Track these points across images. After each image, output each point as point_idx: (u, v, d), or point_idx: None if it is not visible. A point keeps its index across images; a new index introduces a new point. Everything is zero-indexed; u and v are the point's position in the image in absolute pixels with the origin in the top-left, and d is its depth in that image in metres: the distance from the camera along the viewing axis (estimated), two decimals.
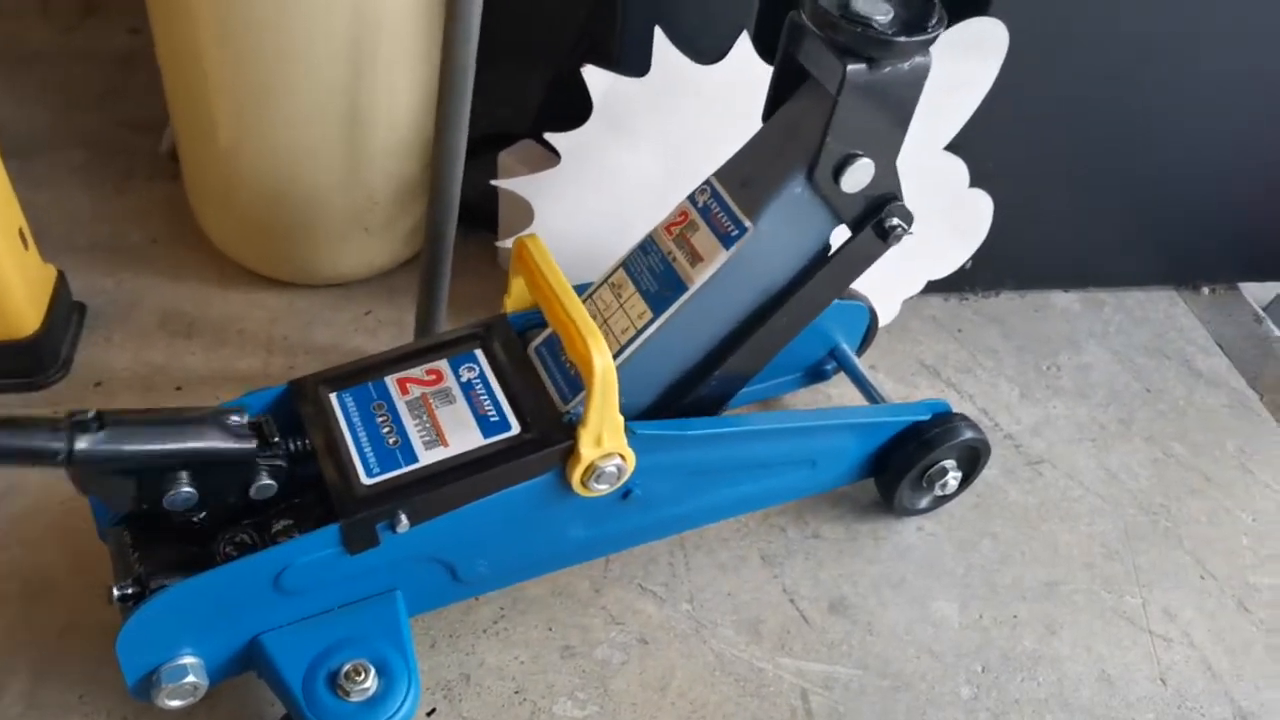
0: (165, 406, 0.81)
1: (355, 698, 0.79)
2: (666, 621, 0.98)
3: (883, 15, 0.74)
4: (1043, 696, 0.96)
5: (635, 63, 1.04)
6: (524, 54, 1.21)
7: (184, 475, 0.78)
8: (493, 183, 1.14)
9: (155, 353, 1.15)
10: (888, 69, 0.75)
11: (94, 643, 0.90)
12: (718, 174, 0.86)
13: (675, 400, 0.88)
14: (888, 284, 1.21)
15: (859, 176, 0.80)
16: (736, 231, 0.81)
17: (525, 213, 1.13)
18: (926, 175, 1.15)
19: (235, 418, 0.80)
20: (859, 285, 1.17)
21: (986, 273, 1.34)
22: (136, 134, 1.41)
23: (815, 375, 1.19)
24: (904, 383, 1.24)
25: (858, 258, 0.85)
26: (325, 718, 0.78)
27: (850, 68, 0.74)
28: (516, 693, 0.92)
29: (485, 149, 1.20)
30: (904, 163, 1.10)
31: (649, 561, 1.03)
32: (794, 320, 0.88)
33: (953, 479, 1.05)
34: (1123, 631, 1.02)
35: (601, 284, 0.89)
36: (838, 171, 0.80)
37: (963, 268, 1.27)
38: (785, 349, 1.11)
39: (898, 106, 0.79)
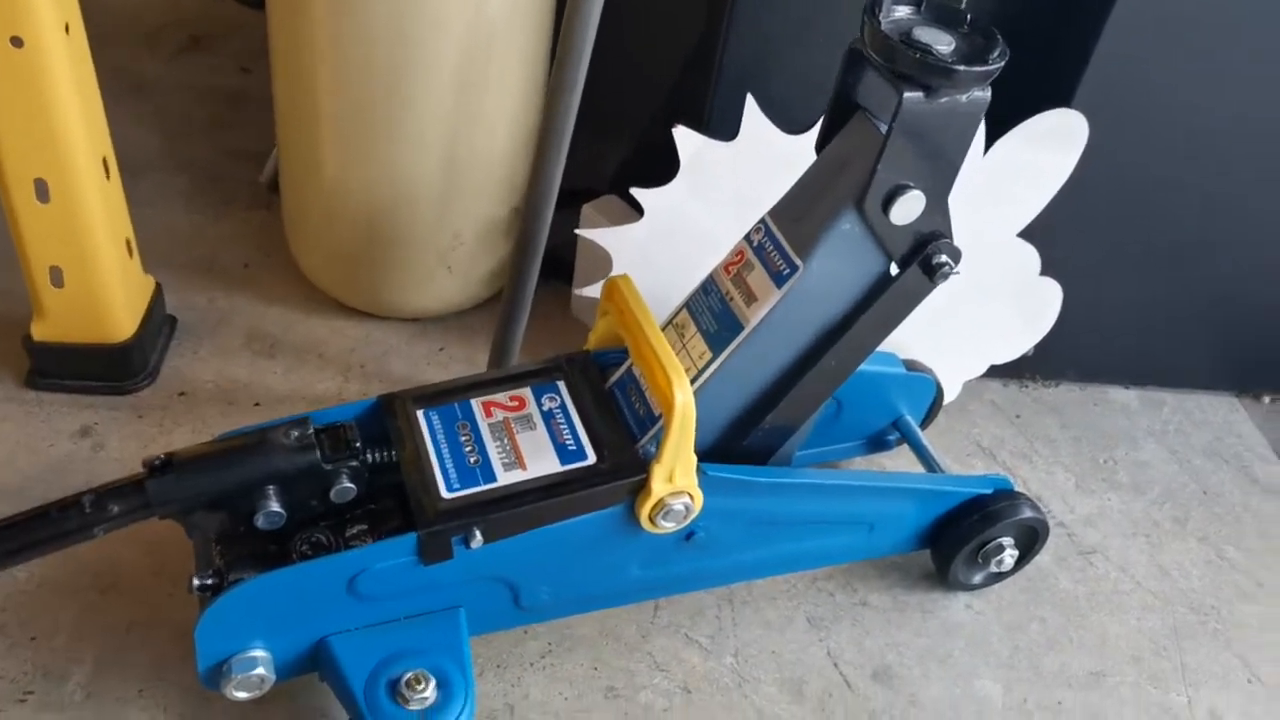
0: (235, 429, 0.86)
1: (414, 706, 0.80)
2: (710, 673, 0.99)
3: (944, 45, 0.75)
4: None
5: (725, 127, 1.09)
6: (613, 114, 1.27)
7: (271, 493, 0.82)
8: (577, 231, 1.18)
9: (238, 369, 1.20)
10: (945, 99, 0.76)
11: (159, 640, 0.93)
12: (772, 212, 0.89)
13: (731, 443, 0.90)
14: (951, 364, 1.24)
15: (910, 208, 0.81)
16: (788, 270, 0.84)
17: (603, 263, 1.17)
18: (998, 259, 1.19)
19: (296, 431, 0.83)
20: (924, 359, 1.20)
21: (1048, 362, 1.35)
22: (238, 164, 1.49)
23: (877, 444, 1.21)
24: (960, 463, 1.26)
25: (905, 296, 0.87)
26: None
27: (907, 95, 0.75)
28: None
29: (568, 202, 1.25)
30: (977, 246, 1.14)
31: (696, 613, 1.04)
32: (844, 362, 0.89)
33: (1009, 556, 1.06)
34: None
35: (667, 325, 0.92)
36: (888, 202, 0.80)
37: (1025, 355, 1.29)
38: (851, 415, 1.15)
39: (952, 140, 0.80)
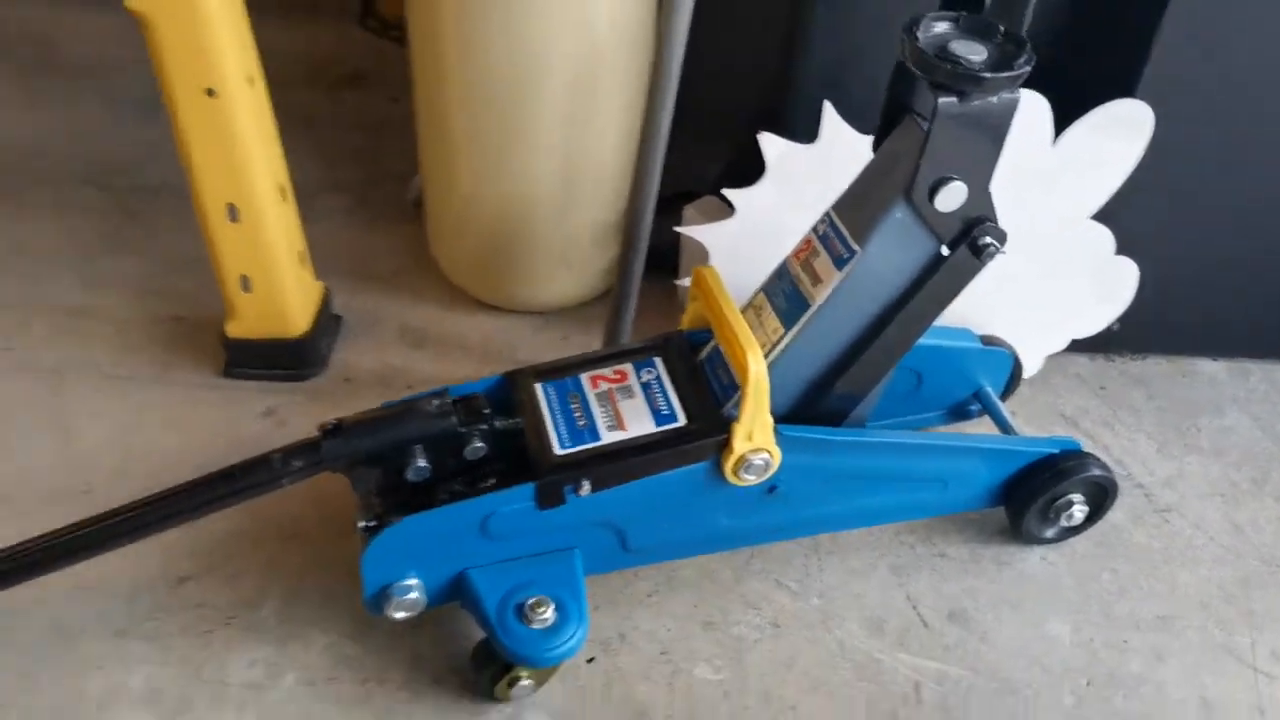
0: (388, 400, 1.04)
1: (536, 625, 0.97)
2: (798, 612, 1.12)
3: (977, 55, 0.86)
4: (1142, 713, 1.04)
5: (806, 131, 1.21)
6: (712, 124, 1.41)
7: (418, 451, 1.00)
8: (676, 229, 1.33)
9: (393, 358, 1.40)
10: (977, 102, 0.87)
11: (331, 577, 1.13)
12: (834, 205, 1.01)
13: (806, 408, 1.03)
14: (1031, 339, 1.32)
15: (952, 197, 0.92)
16: (848, 254, 0.96)
17: (702, 257, 1.31)
18: (1072, 240, 1.27)
19: (436, 401, 1.01)
20: (1004, 335, 1.30)
21: (1134, 336, 1.42)
22: (389, 185, 1.70)
23: (960, 414, 1.31)
24: (1042, 430, 1.34)
25: (955, 275, 0.97)
26: (512, 639, 0.96)
27: (942, 100, 0.86)
28: (662, 654, 1.08)
29: (674, 204, 1.41)
30: (1051, 228, 1.23)
31: (786, 561, 1.17)
32: (904, 335, 1.01)
33: (1079, 512, 1.15)
34: (1229, 665, 1.08)
35: (746, 307, 1.06)
36: (933, 192, 0.91)
37: (1110, 330, 1.37)
38: (931, 386, 1.26)
39: (988, 135, 0.90)
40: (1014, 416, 1.34)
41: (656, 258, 1.35)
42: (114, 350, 1.38)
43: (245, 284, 1.26)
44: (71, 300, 1.45)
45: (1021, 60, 0.87)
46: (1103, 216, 1.25)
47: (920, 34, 0.88)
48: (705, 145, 1.42)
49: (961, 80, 0.86)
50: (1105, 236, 1.26)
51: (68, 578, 1.07)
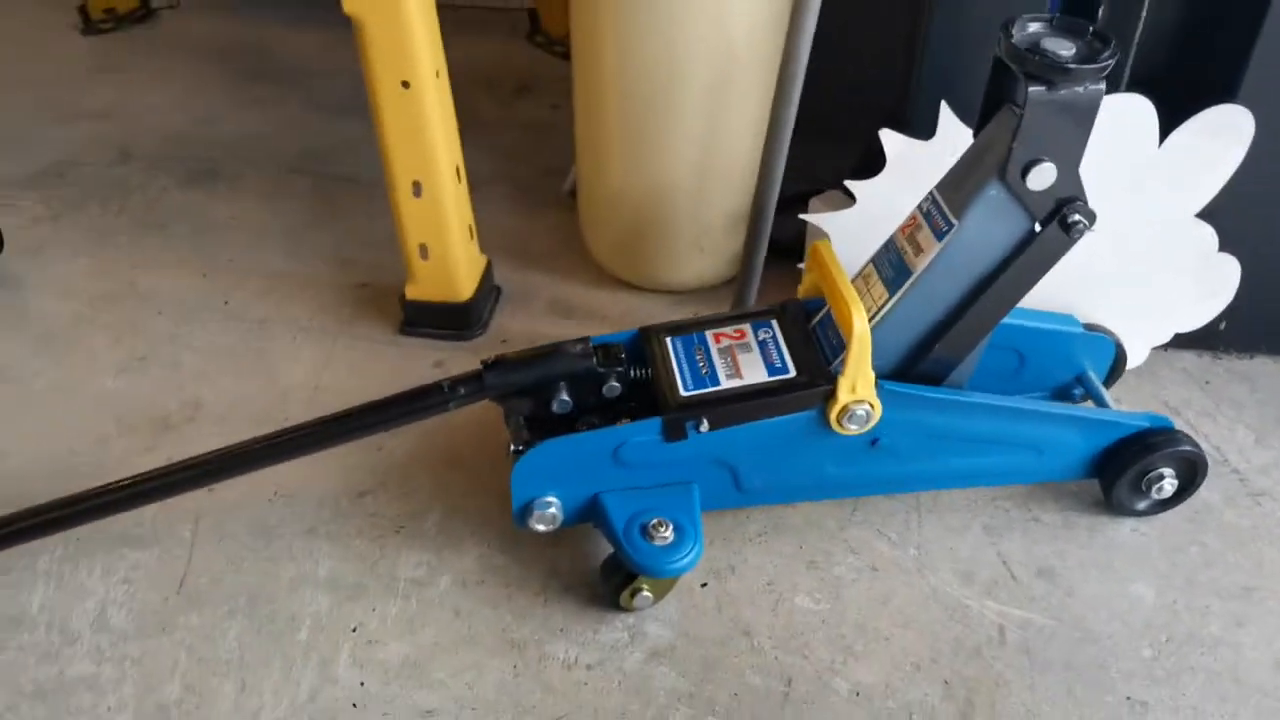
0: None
1: (657, 543, 1.11)
2: (895, 559, 1.24)
3: (1066, 50, 0.97)
4: (1217, 669, 1.11)
5: (924, 128, 1.33)
6: (839, 127, 1.54)
7: (563, 386, 1.16)
8: (801, 215, 1.47)
9: (544, 326, 1.58)
10: (1064, 91, 0.98)
11: (485, 498, 1.30)
12: (938, 185, 1.12)
13: (907, 368, 1.15)
14: (1137, 329, 1.40)
15: (1043, 177, 1.02)
16: (947, 228, 1.08)
17: None
18: (1177, 237, 1.34)
19: (579, 345, 1.17)
20: (1109, 325, 1.38)
21: (1242, 335, 1.47)
22: (547, 178, 1.91)
23: (1063, 397, 1.39)
24: None
25: (1046, 249, 1.07)
26: (635, 552, 1.11)
27: (1032, 88, 0.98)
28: (768, 584, 1.21)
29: (803, 202, 1.54)
30: (1157, 225, 1.30)
31: (888, 515, 1.28)
32: (998, 303, 1.11)
33: (1169, 485, 1.22)
34: None
35: (856, 277, 1.19)
36: (1025, 172, 1.02)
37: (1217, 328, 1.43)
38: (1034, 368, 1.35)
39: (1075, 121, 1.00)
40: (1118, 403, 1.42)
41: (784, 248, 1.49)
42: (310, 308, 1.62)
43: (423, 252, 1.46)
44: (278, 266, 1.71)
45: (1106, 55, 0.98)
46: (1207, 215, 1.32)
47: (1015, 31, 1.00)
48: (833, 147, 1.55)
49: (1050, 70, 0.97)
50: (1208, 234, 1.33)
51: (270, 487, 1.30)
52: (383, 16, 1.24)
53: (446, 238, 1.45)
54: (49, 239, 1.78)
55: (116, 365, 1.52)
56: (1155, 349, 1.43)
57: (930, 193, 1.13)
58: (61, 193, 1.90)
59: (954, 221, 1.08)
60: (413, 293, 1.52)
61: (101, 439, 1.39)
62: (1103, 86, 1.00)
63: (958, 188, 1.10)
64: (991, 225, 1.08)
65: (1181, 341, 1.43)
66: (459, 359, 1.51)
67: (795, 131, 1.36)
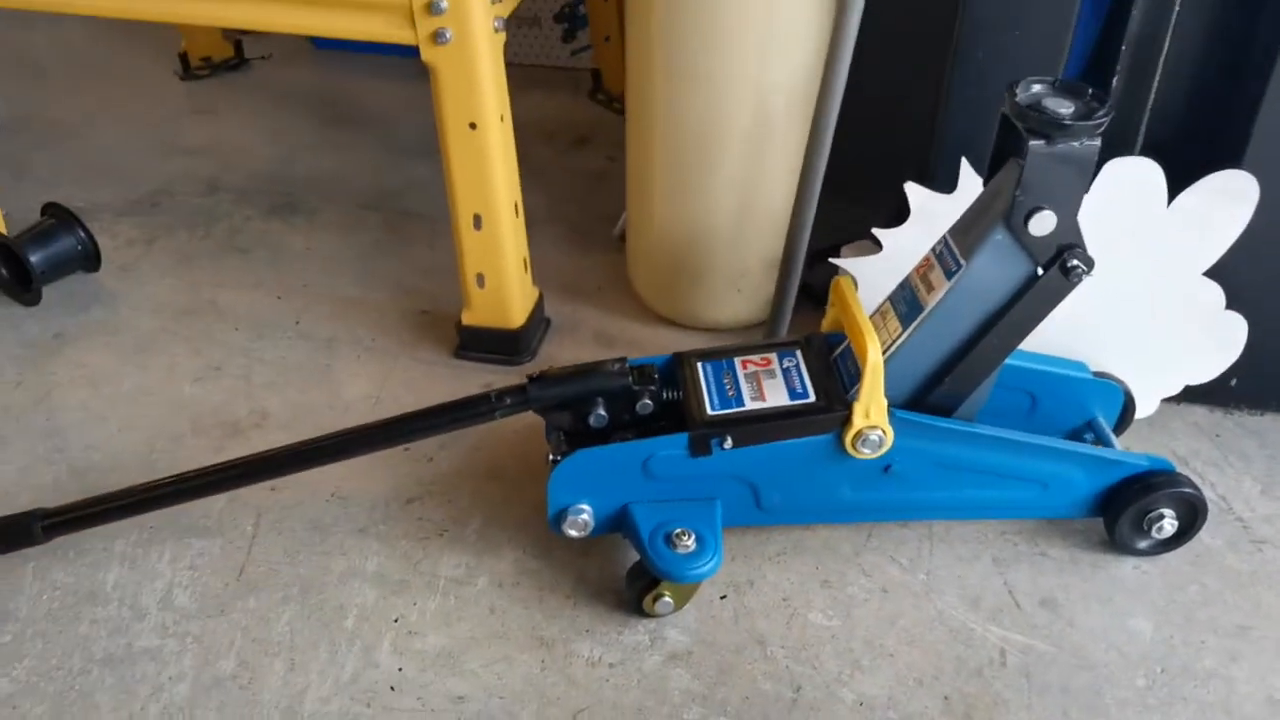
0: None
1: (680, 550, 1.20)
2: (905, 583, 1.31)
3: (1065, 109, 1.07)
4: (1210, 701, 1.16)
5: (946, 182, 1.43)
6: (868, 183, 1.64)
7: (599, 401, 1.27)
8: (831, 260, 1.56)
9: (588, 355, 1.69)
10: (1062, 145, 1.07)
11: (523, 508, 1.40)
12: (950, 229, 1.21)
13: (918, 399, 1.23)
14: (1147, 381, 1.47)
15: (1044, 224, 1.11)
16: (956, 268, 1.16)
17: None
18: (1184, 294, 1.41)
19: (617, 365, 1.27)
20: (1119, 373, 1.44)
21: (1253, 392, 1.53)
22: (600, 223, 2.03)
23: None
24: None
25: (1047, 293, 1.16)
26: (659, 558, 1.20)
27: (1033, 142, 1.07)
28: (784, 599, 1.29)
29: (835, 251, 1.64)
30: (1165, 282, 1.38)
31: (900, 542, 1.36)
32: (1003, 340, 1.19)
33: (1169, 525, 1.28)
34: None
35: (874, 312, 1.28)
36: (1027, 219, 1.11)
37: (1229, 384, 1.49)
38: (1044, 410, 1.42)
39: (1073, 173, 1.09)
40: (1126, 449, 1.48)
41: (818, 294, 1.59)
42: (373, 330, 1.75)
43: (480, 281, 1.59)
44: (346, 291, 1.84)
45: (1101, 113, 1.07)
46: (1215, 274, 1.39)
47: (1020, 91, 1.10)
48: (862, 201, 1.65)
49: (1049, 126, 1.07)
50: (1216, 292, 1.40)
51: (328, 489, 1.41)
52: (455, 64, 1.38)
53: (503, 268, 1.57)
54: (141, 260, 1.95)
55: (194, 374, 1.65)
56: (1168, 402, 1.49)
57: (943, 236, 1.23)
58: (155, 219, 2.07)
59: (963, 262, 1.17)
60: (469, 319, 1.64)
61: (176, 438, 1.53)
62: (1098, 142, 1.09)
63: (967, 232, 1.19)
64: (997, 267, 1.16)
65: (1193, 396, 1.49)
66: (507, 382, 1.61)
67: (829, 188, 1.47)
